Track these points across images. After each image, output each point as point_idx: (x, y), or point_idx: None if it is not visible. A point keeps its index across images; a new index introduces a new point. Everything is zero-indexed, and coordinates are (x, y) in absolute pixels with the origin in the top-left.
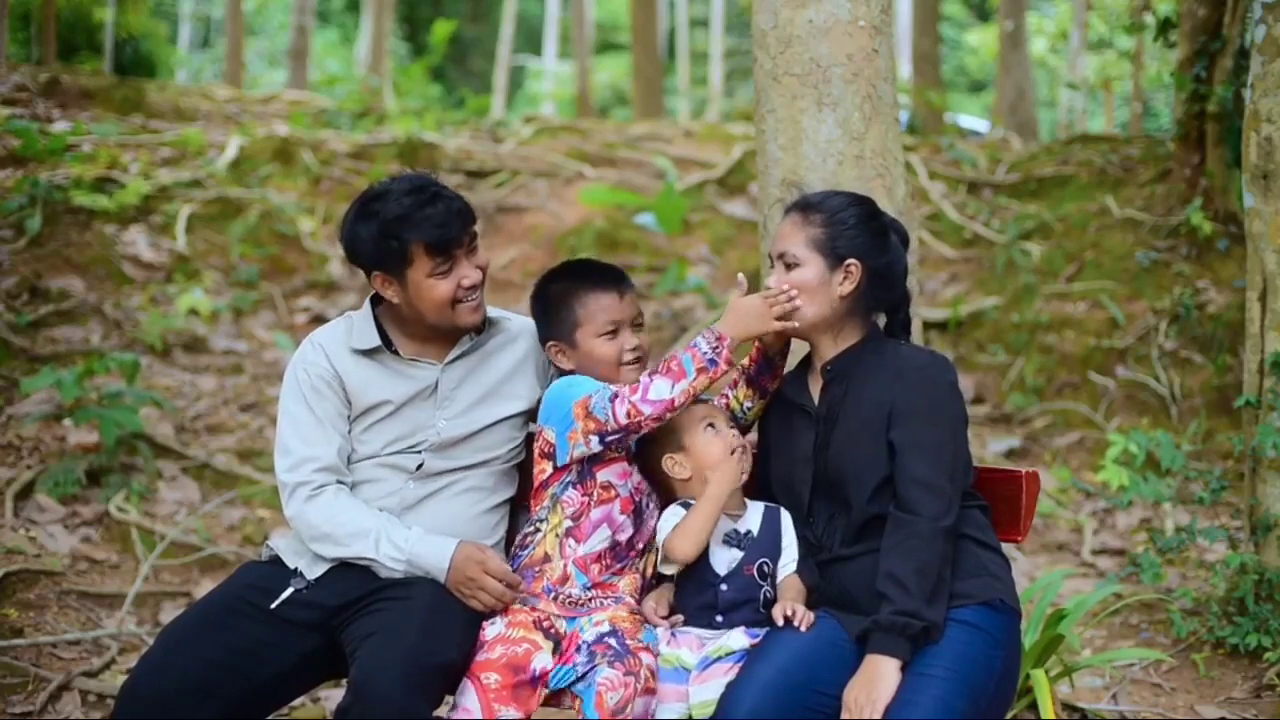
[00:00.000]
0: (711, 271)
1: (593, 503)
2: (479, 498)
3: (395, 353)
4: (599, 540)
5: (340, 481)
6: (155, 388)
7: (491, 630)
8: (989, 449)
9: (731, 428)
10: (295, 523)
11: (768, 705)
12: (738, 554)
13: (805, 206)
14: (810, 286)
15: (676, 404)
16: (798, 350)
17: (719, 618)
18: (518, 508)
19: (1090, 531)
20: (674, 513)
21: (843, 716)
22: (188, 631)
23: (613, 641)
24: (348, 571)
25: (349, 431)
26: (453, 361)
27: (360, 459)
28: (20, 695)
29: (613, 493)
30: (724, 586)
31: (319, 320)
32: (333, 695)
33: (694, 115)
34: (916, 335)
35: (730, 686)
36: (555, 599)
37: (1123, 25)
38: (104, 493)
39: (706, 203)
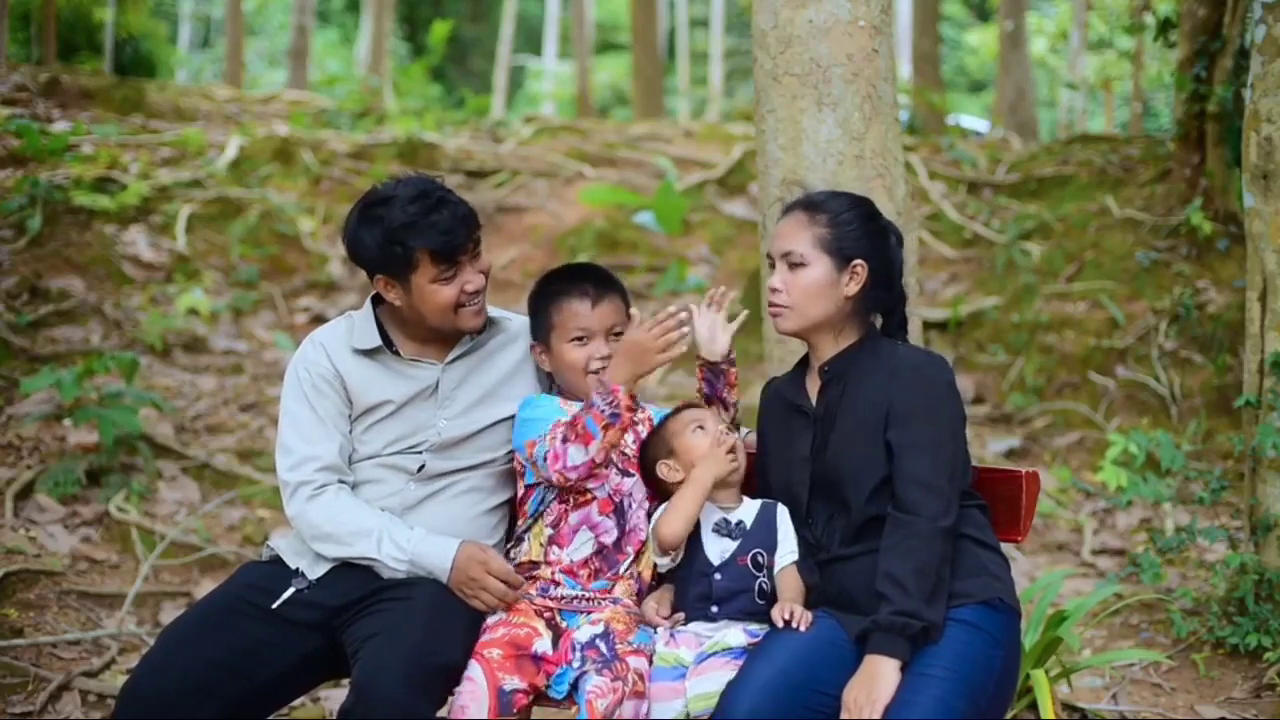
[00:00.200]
0: (711, 271)
1: (569, 508)
2: (479, 498)
3: (396, 353)
4: (583, 544)
5: (342, 481)
6: (155, 388)
7: (493, 620)
8: (989, 449)
9: (723, 427)
10: (297, 522)
11: (767, 705)
12: (731, 544)
13: (809, 206)
14: (818, 286)
15: (597, 461)
16: (796, 350)
17: (714, 608)
18: (517, 509)
19: (1090, 531)
20: (665, 509)
21: (842, 716)
22: (188, 632)
23: (602, 646)
24: (349, 571)
25: (350, 431)
26: (453, 361)
27: (361, 459)
28: (20, 695)
29: (589, 495)
30: (718, 576)
31: (319, 320)
32: (333, 695)
33: (694, 115)
34: (916, 335)
35: (729, 686)
36: (550, 597)
37: (1123, 25)
38: (104, 493)
39: (706, 203)
